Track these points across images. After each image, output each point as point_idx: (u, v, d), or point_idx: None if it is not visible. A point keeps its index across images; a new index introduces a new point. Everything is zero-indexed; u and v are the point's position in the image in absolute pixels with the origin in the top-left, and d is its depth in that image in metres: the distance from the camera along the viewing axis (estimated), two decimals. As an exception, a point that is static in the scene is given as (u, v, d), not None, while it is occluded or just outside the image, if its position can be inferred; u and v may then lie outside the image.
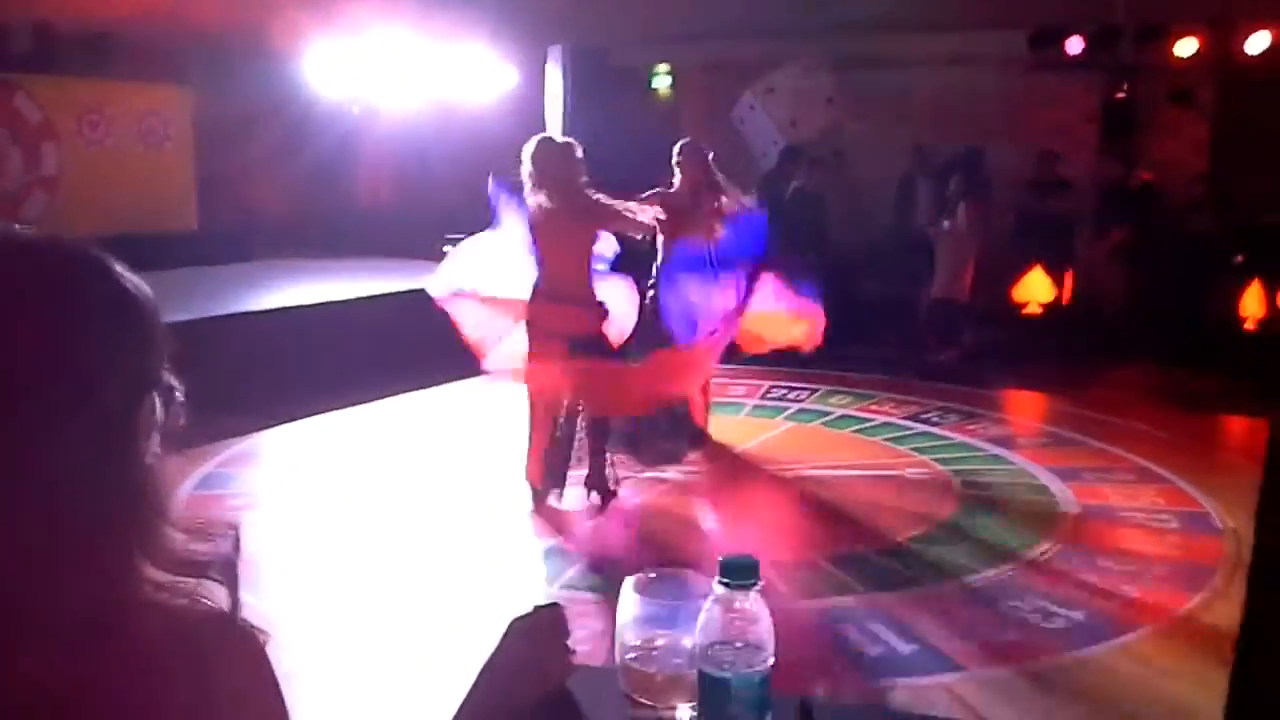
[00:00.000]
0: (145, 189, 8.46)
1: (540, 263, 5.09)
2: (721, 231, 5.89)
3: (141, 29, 8.25)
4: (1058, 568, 4.51)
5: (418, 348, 7.03)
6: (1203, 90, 9.38)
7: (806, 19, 9.27)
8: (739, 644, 1.06)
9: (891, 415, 6.92)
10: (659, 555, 4.57)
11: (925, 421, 6.78)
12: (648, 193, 5.85)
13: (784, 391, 7.44)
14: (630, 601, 1.16)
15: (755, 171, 10.23)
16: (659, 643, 1.14)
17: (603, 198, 5.10)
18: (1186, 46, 9.13)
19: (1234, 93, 9.26)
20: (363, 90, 9.41)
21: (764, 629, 1.06)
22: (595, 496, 5.25)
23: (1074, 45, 9.38)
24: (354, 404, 6.81)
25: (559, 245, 5.04)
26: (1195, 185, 9.09)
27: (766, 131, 10.31)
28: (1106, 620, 4.02)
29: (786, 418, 6.90)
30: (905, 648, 3.78)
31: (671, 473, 5.69)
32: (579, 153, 5.06)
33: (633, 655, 1.14)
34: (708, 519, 5.12)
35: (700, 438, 6.05)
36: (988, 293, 8.76)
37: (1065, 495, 5.42)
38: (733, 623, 1.06)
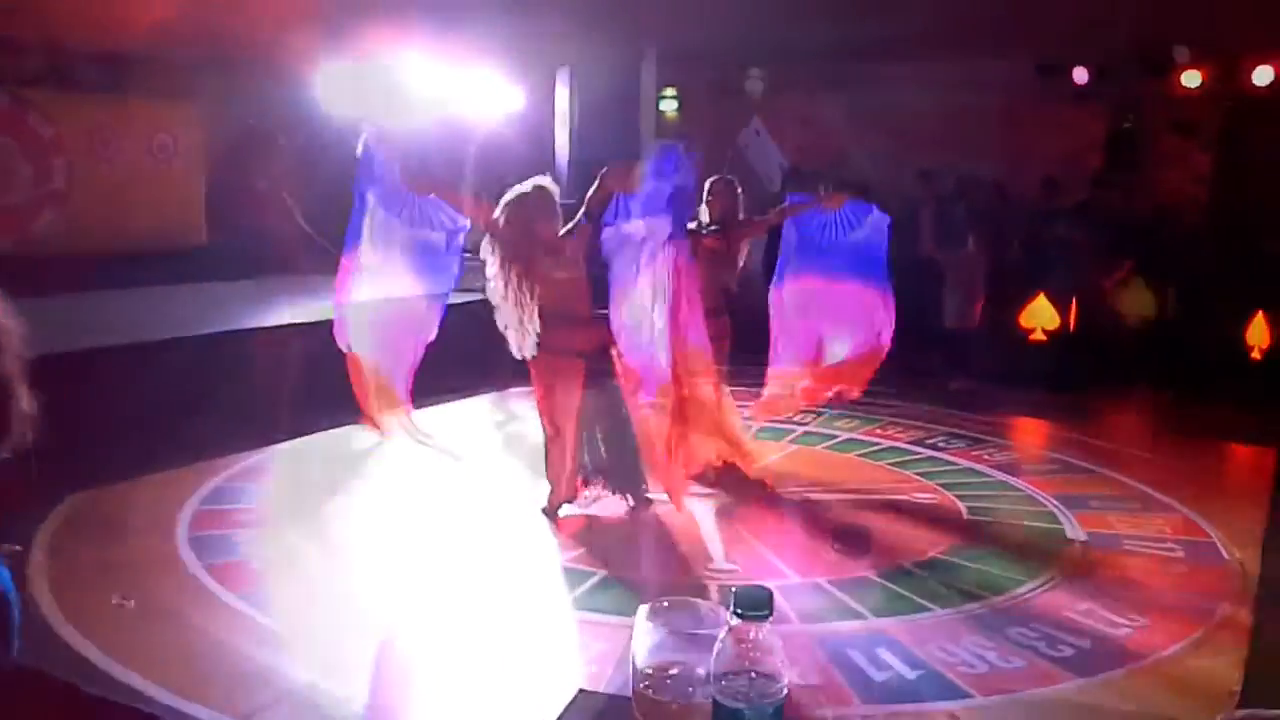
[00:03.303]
0: (155, 205, 8.48)
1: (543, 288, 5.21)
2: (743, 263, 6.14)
3: (154, 47, 8.30)
4: (1064, 596, 4.50)
5: (427, 363, 7.02)
6: (1207, 122, 9.41)
7: (814, 46, 9.30)
8: (753, 674, 1.05)
9: (897, 440, 6.92)
10: (662, 577, 4.58)
11: (931, 447, 6.78)
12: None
13: (790, 415, 7.43)
14: (644, 629, 1.16)
15: (759, 196, 10.29)
16: (673, 671, 1.13)
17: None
18: (1192, 79, 9.17)
19: (1238, 125, 9.29)
20: (371, 110, 9.44)
21: (777, 660, 1.06)
22: (628, 499, 5.40)
23: (1081, 75, 9.43)
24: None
25: (556, 274, 5.19)
26: (1197, 215, 9.10)
27: (772, 156, 10.36)
28: (1113, 649, 4.02)
29: (792, 440, 6.90)
30: (911, 673, 3.78)
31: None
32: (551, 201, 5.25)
33: (646, 684, 1.13)
34: (713, 541, 5.09)
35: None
36: (993, 319, 8.76)
37: (1071, 523, 5.41)
38: (746, 653, 1.06)
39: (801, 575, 4.64)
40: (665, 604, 1.18)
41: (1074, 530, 5.32)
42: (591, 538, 5.13)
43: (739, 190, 6.20)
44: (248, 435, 6.09)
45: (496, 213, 5.22)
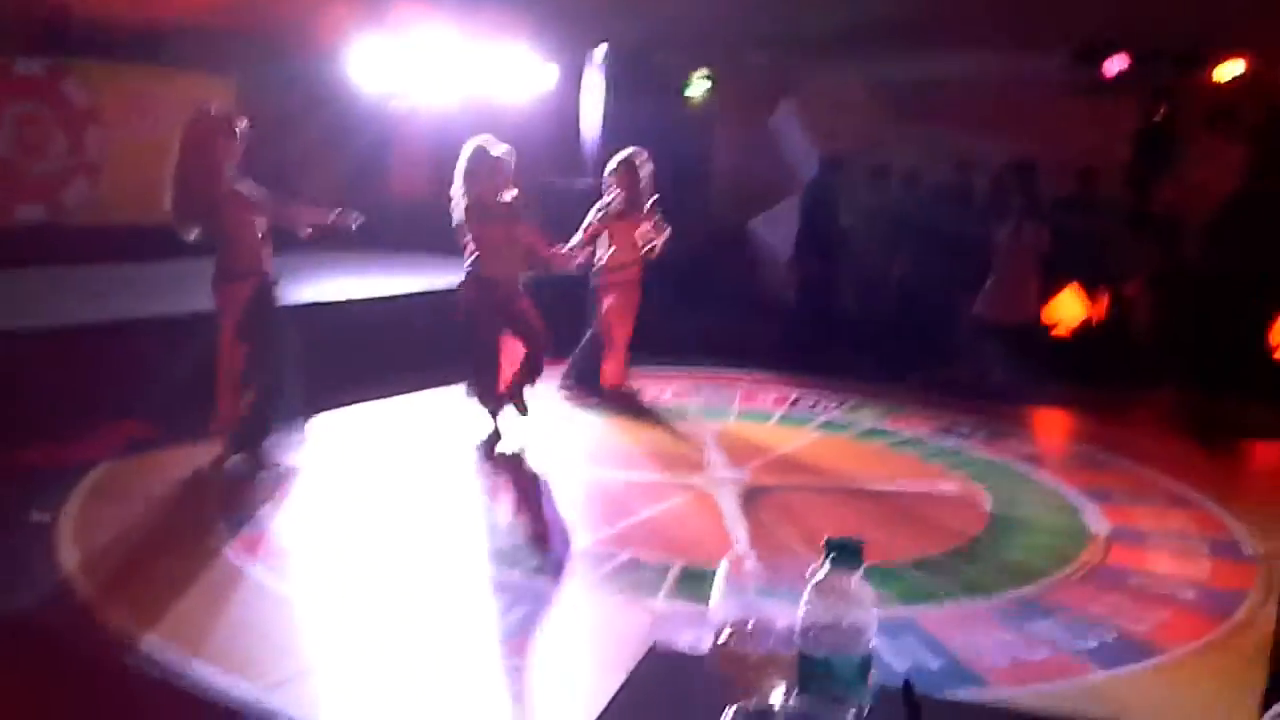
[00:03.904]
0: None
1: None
2: (657, 239, 7.01)
3: (191, 19, 8.34)
4: (1087, 588, 4.50)
5: (450, 342, 7.08)
6: (1241, 116, 9.33)
7: (847, 32, 9.27)
8: (842, 625, 1.07)
9: (920, 430, 6.92)
10: (685, 561, 4.59)
11: (955, 436, 6.78)
12: (598, 207, 7.09)
13: (813, 401, 7.46)
14: (723, 583, 1.17)
15: (792, 180, 10.29)
16: (751, 624, 1.15)
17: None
18: (1227, 71, 9.10)
19: (1273, 119, 9.20)
20: (404, 86, 9.47)
21: (867, 612, 1.07)
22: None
23: (1113, 66, 9.36)
24: (381, 398, 6.87)
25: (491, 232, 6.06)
26: (1227, 211, 9.01)
27: (803, 141, 10.34)
28: (1136, 642, 4.02)
29: (815, 428, 6.91)
30: (934, 662, 3.78)
31: (698, 479, 5.73)
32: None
33: (726, 635, 1.15)
34: (736, 528, 5.11)
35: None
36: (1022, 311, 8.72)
37: (1095, 516, 5.41)
38: (836, 604, 1.08)
39: (796, 558, 4.61)
40: (745, 557, 1.20)
41: (1098, 523, 5.31)
42: (613, 520, 5.15)
43: (644, 171, 7.04)
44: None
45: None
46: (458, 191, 6.05)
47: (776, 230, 10.27)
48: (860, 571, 1.08)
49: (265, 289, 5.43)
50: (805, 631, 1.09)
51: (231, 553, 4.48)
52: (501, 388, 6.23)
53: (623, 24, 9.80)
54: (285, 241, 5.63)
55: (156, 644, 3.63)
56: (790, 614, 1.10)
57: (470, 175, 6.00)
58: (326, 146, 8.78)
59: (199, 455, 5.52)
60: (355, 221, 5.74)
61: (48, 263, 7.64)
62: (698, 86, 11.01)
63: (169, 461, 5.53)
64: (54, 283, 7.37)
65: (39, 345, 5.87)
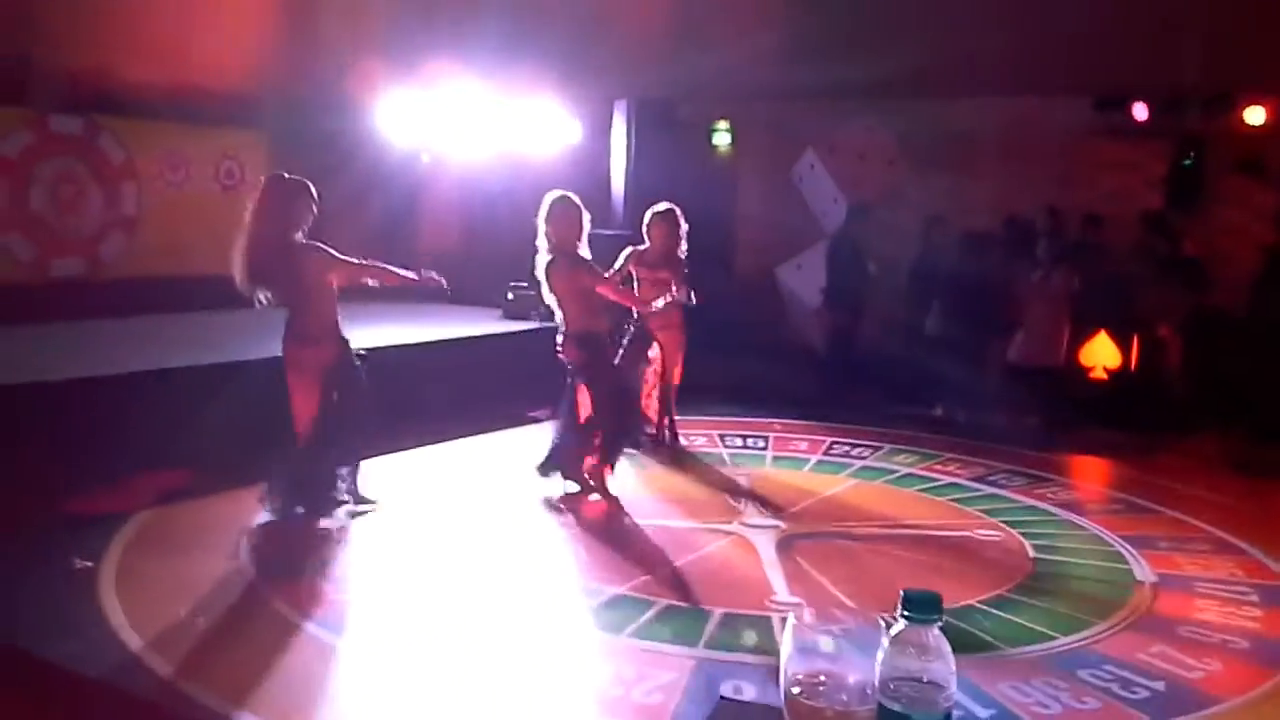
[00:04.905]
0: (221, 230, 8.63)
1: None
2: (681, 291, 6.79)
3: (223, 77, 8.49)
4: (1136, 637, 4.41)
5: (478, 392, 7.10)
6: (1271, 159, 9.26)
7: (869, 81, 9.31)
8: (922, 679, 1.04)
9: (958, 476, 6.83)
10: (723, 607, 4.53)
11: (993, 484, 6.68)
12: (626, 252, 7.04)
13: (847, 448, 7.39)
14: (792, 637, 1.14)
15: (814, 229, 10.29)
16: (823, 679, 1.11)
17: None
18: (1255, 115, 9.04)
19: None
20: (433, 140, 9.57)
21: (946, 666, 1.04)
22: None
23: (1140, 112, 9.33)
24: (413, 447, 6.87)
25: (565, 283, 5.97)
26: (1259, 256, 8.93)
27: (826, 190, 10.35)
28: (1188, 692, 3.93)
29: (850, 474, 6.83)
30: (983, 712, 3.70)
31: (735, 525, 5.67)
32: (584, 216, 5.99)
33: (799, 690, 1.12)
34: (775, 574, 5.05)
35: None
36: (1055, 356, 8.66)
37: (1140, 563, 5.31)
38: (914, 658, 1.04)
39: (864, 609, 4.56)
40: (814, 611, 1.16)
41: (1143, 571, 5.22)
42: (651, 567, 5.10)
43: (681, 226, 7.06)
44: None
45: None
46: (541, 244, 5.98)
47: (803, 277, 10.26)
48: (938, 625, 1.05)
49: (344, 352, 5.48)
50: (884, 685, 1.05)
51: (278, 602, 4.46)
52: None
53: (644, 77, 9.89)
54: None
55: (203, 693, 3.61)
56: (862, 668, 1.07)
57: (553, 225, 5.94)
58: (357, 200, 8.87)
59: (240, 503, 5.52)
60: (440, 282, 5.73)
61: (87, 315, 7.74)
62: (721, 136, 11.08)
63: (210, 510, 5.55)
64: (92, 334, 7.45)
65: (79, 395, 5.92)
